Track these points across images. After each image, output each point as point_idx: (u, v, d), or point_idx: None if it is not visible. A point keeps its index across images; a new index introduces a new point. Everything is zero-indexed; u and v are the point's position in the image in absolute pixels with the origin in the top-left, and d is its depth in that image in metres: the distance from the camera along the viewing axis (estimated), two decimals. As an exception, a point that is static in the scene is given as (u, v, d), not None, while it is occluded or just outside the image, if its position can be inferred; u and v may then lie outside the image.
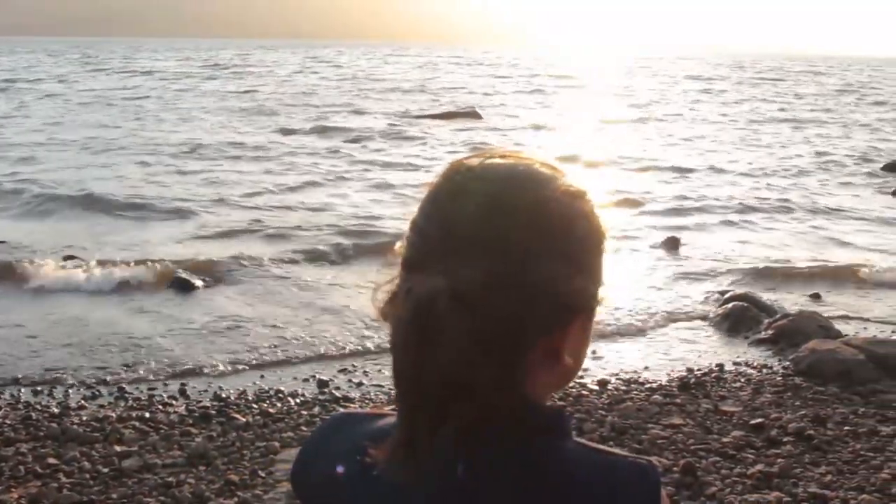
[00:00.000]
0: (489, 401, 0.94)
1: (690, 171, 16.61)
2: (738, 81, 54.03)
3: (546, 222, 0.96)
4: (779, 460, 4.58)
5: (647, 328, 7.25)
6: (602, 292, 1.02)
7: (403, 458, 0.94)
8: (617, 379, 5.91)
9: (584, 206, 1.00)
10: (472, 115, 26.41)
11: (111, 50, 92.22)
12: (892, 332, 7.21)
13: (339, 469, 1.02)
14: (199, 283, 8.14)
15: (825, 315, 7.31)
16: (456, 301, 0.91)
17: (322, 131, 21.81)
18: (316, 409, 5.27)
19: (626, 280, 8.42)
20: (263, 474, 4.39)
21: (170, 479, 4.31)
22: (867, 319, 7.70)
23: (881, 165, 17.92)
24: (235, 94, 33.98)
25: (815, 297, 8.38)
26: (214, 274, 8.49)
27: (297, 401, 5.45)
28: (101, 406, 5.32)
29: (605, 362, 6.18)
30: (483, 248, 0.94)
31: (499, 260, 0.93)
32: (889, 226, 12.15)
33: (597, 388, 5.66)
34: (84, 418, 5.06)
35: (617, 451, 1.01)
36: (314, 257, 9.39)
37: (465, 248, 0.94)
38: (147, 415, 5.13)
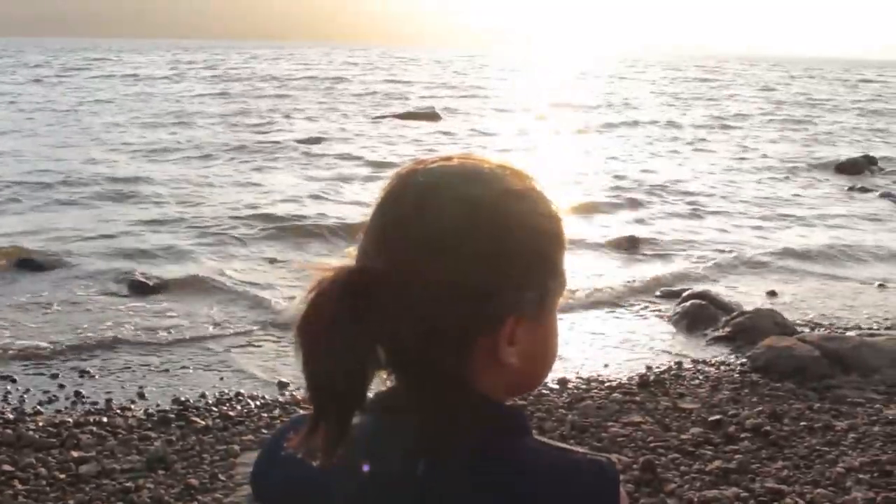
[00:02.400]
0: (438, 399, 0.96)
1: (649, 171, 16.76)
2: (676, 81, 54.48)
3: (469, 222, 0.96)
4: (736, 456, 4.63)
5: (606, 327, 7.30)
6: (551, 294, 1.03)
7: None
8: (577, 377, 5.94)
9: (524, 207, 1.00)
10: (432, 116, 26.42)
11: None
12: (846, 328, 7.32)
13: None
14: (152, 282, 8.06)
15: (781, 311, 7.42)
16: (364, 296, 0.93)
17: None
18: (276, 412, 5.25)
19: (584, 279, 8.49)
20: (224, 478, 4.35)
21: (128, 484, 4.25)
22: (823, 315, 7.83)
23: (833, 166, 18.22)
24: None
25: (772, 294, 8.50)
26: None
27: (258, 403, 5.42)
28: (58, 411, 5.25)
29: (564, 361, 6.21)
30: (406, 245, 0.96)
31: (412, 257, 0.95)
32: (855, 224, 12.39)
33: (557, 387, 5.69)
34: (40, 423, 4.98)
35: (575, 448, 1.02)
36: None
37: (392, 245, 0.97)
38: (105, 419, 5.07)
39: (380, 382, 1.02)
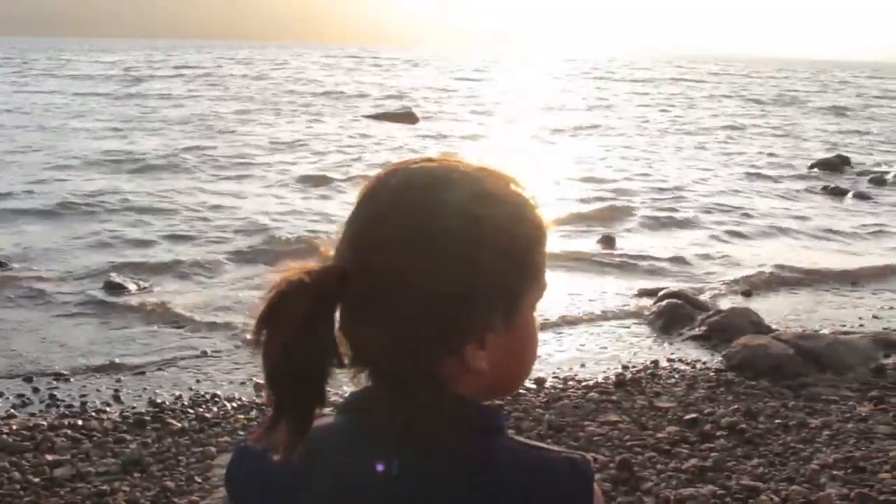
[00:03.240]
0: (414, 399, 0.96)
1: (623, 171, 16.83)
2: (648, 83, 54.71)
3: (441, 226, 0.96)
4: (712, 454, 4.66)
5: (582, 327, 7.32)
6: (526, 299, 1.03)
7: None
8: (553, 377, 5.96)
9: (501, 211, 0.99)
10: (409, 116, 26.40)
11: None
12: (820, 326, 7.38)
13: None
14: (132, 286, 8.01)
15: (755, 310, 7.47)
16: (331, 296, 0.96)
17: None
18: (253, 413, 5.23)
19: (560, 279, 8.52)
20: (200, 480, 4.33)
21: (104, 487, 4.22)
22: (797, 312, 7.90)
23: (808, 164, 18.36)
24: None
25: (746, 294, 8.56)
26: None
27: (234, 405, 5.40)
28: (32, 414, 5.20)
29: (541, 361, 6.23)
30: (377, 247, 0.97)
31: (383, 259, 0.96)
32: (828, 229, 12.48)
33: (534, 386, 5.70)
34: (14, 427, 4.94)
35: (550, 447, 1.03)
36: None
37: (364, 246, 0.98)
38: (80, 422, 5.03)
39: (354, 383, 1.02)
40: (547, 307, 7.36)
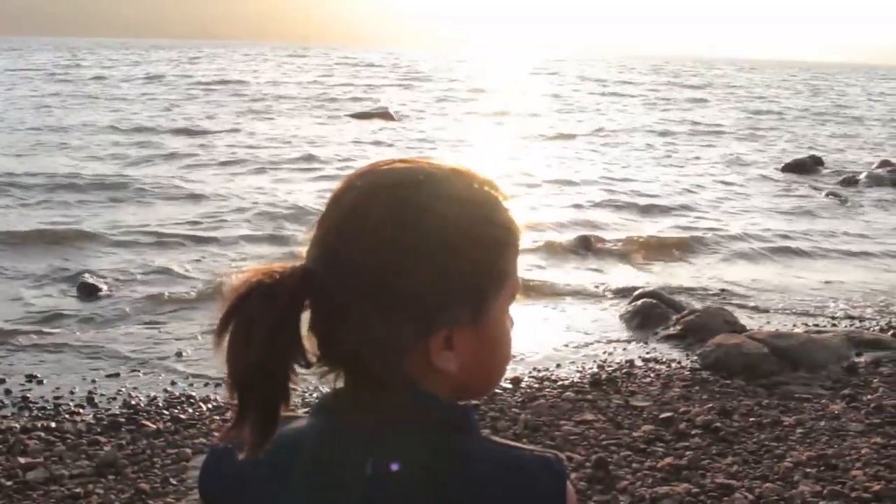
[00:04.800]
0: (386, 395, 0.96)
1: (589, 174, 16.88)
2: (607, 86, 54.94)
3: (406, 228, 0.96)
4: (687, 453, 4.69)
5: (558, 326, 7.35)
6: (494, 301, 1.02)
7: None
8: (529, 377, 5.98)
9: (469, 214, 0.99)
10: (385, 115, 26.38)
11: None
12: (794, 325, 7.45)
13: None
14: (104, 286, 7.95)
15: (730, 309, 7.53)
16: (296, 296, 0.96)
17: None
18: (228, 415, 5.17)
19: (537, 279, 8.56)
20: (175, 482, 4.31)
21: (77, 490, 4.19)
22: (767, 311, 7.97)
23: (780, 167, 18.51)
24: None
25: (722, 292, 8.62)
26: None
27: (210, 406, 5.37)
28: (4, 417, 5.15)
29: (517, 361, 6.24)
30: (345, 248, 0.97)
31: (349, 260, 0.96)
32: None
33: (510, 386, 5.71)
34: (-14, 430, 4.89)
35: (523, 446, 1.03)
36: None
37: (332, 247, 0.98)
38: (53, 424, 4.99)
39: (325, 383, 1.02)
40: (522, 305, 7.39)
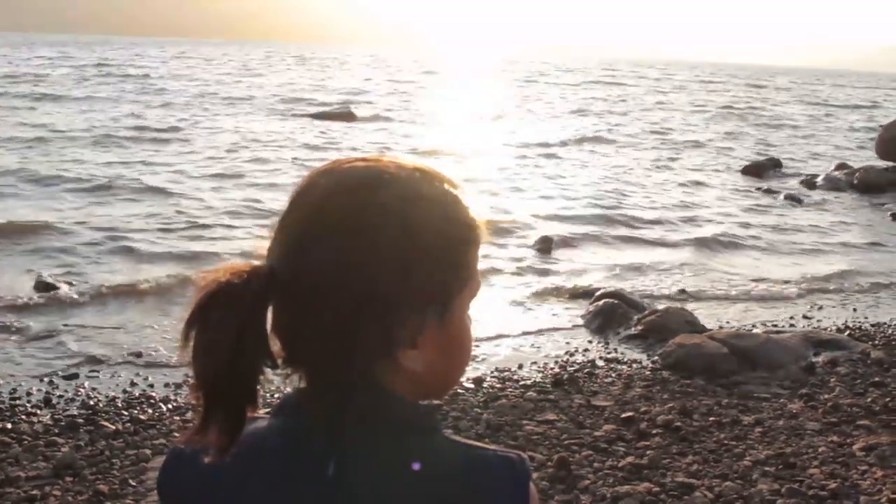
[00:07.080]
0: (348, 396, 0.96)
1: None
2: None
3: (369, 227, 0.96)
4: (648, 452, 4.73)
5: (520, 327, 7.36)
6: (458, 299, 1.02)
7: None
8: (492, 377, 5.98)
9: (432, 212, 0.99)
10: (347, 115, 26.29)
11: None
12: (753, 325, 7.53)
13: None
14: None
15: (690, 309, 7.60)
16: (262, 297, 0.95)
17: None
18: (189, 415, 5.15)
19: (498, 279, 8.59)
20: (134, 483, 4.26)
21: (34, 492, 4.13)
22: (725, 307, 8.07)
23: (740, 169, 18.72)
24: None
25: (682, 293, 8.70)
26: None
27: (170, 406, 5.32)
28: (-41, 418, 5.06)
29: (479, 361, 6.25)
30: (307, 248, 0.96)
31: (312, 259, 0.96)
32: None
33: (472, 386, 5.72)
34: (-60, 431, 4.80)
35: (486, 445, 1.03)
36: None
37: (294, 247, 0.98)
38: (9, 426, 4.91)
39: (288, 384, 1.02)
40: (482, 306, 7.40)
